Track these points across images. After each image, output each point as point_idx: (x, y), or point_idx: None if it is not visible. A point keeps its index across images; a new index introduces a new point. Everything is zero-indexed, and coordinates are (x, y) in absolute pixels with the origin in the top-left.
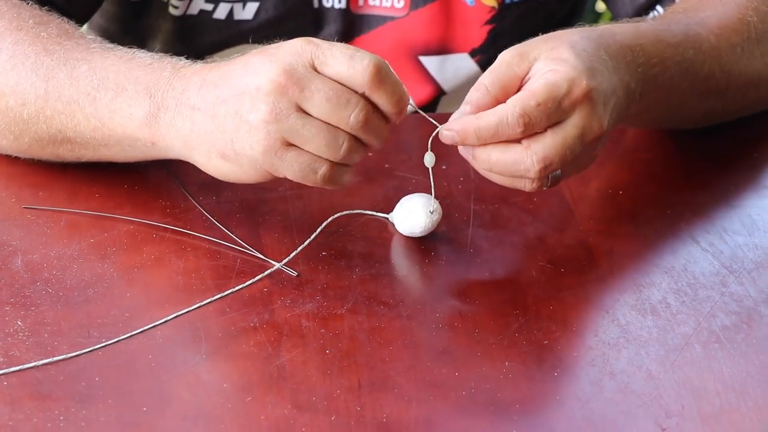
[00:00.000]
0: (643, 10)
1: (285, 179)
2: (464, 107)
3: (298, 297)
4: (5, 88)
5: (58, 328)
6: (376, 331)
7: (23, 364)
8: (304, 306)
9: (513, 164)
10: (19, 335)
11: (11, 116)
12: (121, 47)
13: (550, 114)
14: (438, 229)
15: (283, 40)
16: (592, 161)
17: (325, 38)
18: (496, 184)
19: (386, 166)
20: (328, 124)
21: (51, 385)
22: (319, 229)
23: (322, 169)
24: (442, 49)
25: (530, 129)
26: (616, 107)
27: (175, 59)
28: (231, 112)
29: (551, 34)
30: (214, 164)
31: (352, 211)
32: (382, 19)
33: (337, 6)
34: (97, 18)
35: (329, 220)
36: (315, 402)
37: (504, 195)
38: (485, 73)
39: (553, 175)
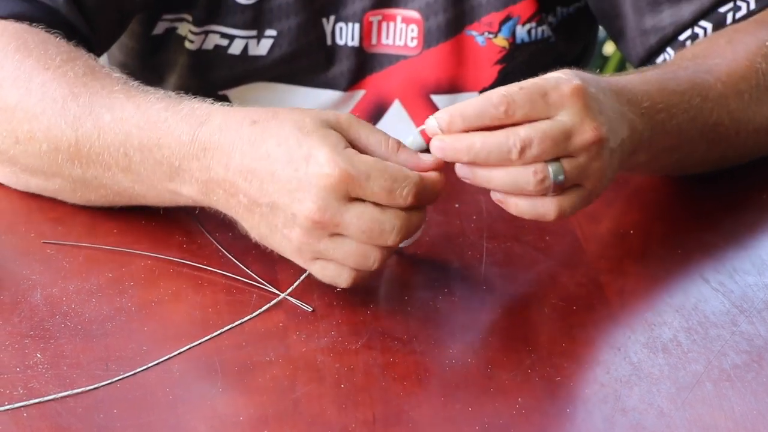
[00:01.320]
0: (654, 53)
1: None
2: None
3: (313, 332)
4: (38, 134)
5: (76, 361)
6: (390, 366)
7: (43, 396)
8: (319, 341)
9: (497, 146)
10: (39, 368)
11: (45, 159)
12: (142, 88)
13: (534, 101)
14: (451, 265)
15: (299, 77)
16: (603, 179)
17: (336, 76)
18: (509, 222)
19: None
20: (364, 244)
21: (70, 417)
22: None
23: (347, 278)
24: (454, 87)
25: (512, 110)
26: (623, 144)
27: (188, 109)
28: (266, 219)
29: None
30: (254, 237)
31: None
32: (395, 58)
33: (350, 44)
34: (117, 53)
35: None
36: None
37: (516, 233)
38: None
39: (555, 178)
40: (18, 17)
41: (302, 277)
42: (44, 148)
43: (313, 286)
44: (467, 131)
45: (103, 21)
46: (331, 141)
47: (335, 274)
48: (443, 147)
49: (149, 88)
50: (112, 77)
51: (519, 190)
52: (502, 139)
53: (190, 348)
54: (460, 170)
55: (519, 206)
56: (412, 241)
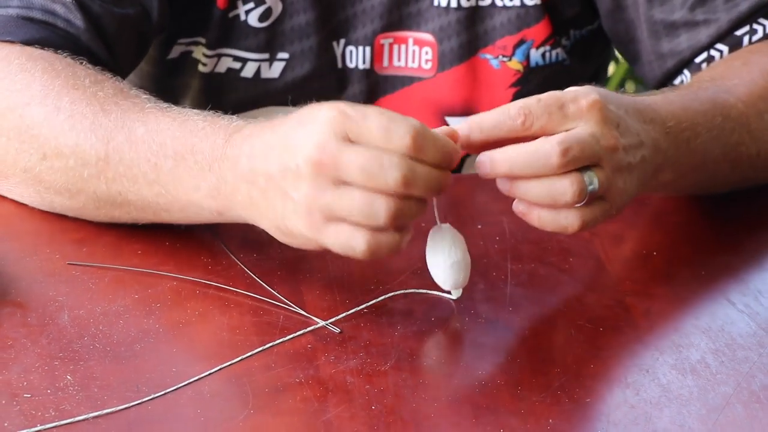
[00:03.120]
0: (671, 75)
1: None
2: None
3: (341, 353)
4: (65, 149)
5: (107, 383)
6: (420, 388)
7: (74, 417)
8: (347, 362)
9: (534, 152)
10: (69, 389)
11: (70, 175)
12: (174, 107)
13: (552, 113)
14: (476, 287)
15: (311, 100)
16: (624, 194)
17: (349, 99)
18: (532, 244)
19: (422, 225)
20: (369, 192)
21: None
22: (374, 300)
23: (361, 242)
24: (468, 110)
25: (530, 121)
26: (648, 159)
27: (227, 120)
28: (279, 189)
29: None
30: (276, 236)
31: (412, 291)
32: (409, 80)
33: (361, 66)
34: (132, 77)
35: (387, 296)
36: None
37: (540, 255)
38: None
39: (590, 186)
40: (42, 43)
41: (350, 311)
42: (71, 164)
43: (340, 309)
44: (485, 144)
45: (123, 47)
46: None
47: (349, 236)
48: (483, 161)
49: (182, 107)
50: (141, 97)
51: (554, 201)
52: (539, 146)
53: (220, 369)
54: (502, 185)
55: (542, 218)
56: (463, 285)
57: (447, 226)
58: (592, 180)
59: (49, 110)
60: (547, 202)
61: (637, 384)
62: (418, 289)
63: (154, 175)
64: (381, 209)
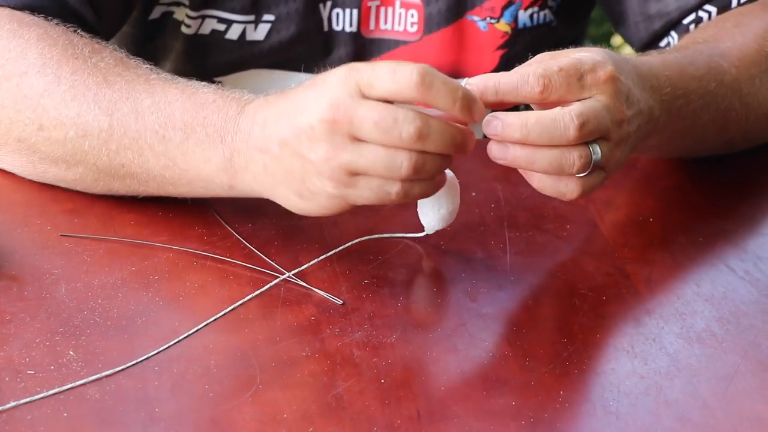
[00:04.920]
0: (658, 37)
1: None
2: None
3: (346, 326)
4: (66, 119)
5: (111, 358)
6: (428, 360)
7: (81, 392)
8: (353, 335)
9: (552, 122)
10: (73, 365)
11: (69, 147)
12: (180, 78)
13: (570, 83)
14: (475, 255)
15: (297, 63)
16: (621, 163)
17: (334, 62)
18: (528, 211)
19: None
20: (386, 147)
21: (111, 414)
22: (340, 248)
23: (395, 188)
24: (455, 73)
25: (549, 90)
26: (642, 127)
27: (238, 92)
28: (295, 154)
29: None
30: (294, 203)
31: (381, 235)
32: (395, 43)
33: (348, 29)
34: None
35: (355, 241)
36: None
37: (537, 222)
38: (516, 68)
39: (596, 159)
40: (31, 8)
41: (314, 261)
42: (70, 135)
43: (340, 279)
44: (495, 105)
45: (108, 9)
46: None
47: (382, 189)
48: (494, 123)
49: (188, 80)
50: (143, 68)
51: (561, 171)
52: (558, 116)
53: (213, 319)
54: (497, 150)
55: (542, 182)
56: (455, 200)
57: (449, 172)
58: (597, 152)
59: (49, 80)
60: (554, 171)
61: (645, 353)
62: (393, 233)
63: (162, 147)
64: (403, 163)
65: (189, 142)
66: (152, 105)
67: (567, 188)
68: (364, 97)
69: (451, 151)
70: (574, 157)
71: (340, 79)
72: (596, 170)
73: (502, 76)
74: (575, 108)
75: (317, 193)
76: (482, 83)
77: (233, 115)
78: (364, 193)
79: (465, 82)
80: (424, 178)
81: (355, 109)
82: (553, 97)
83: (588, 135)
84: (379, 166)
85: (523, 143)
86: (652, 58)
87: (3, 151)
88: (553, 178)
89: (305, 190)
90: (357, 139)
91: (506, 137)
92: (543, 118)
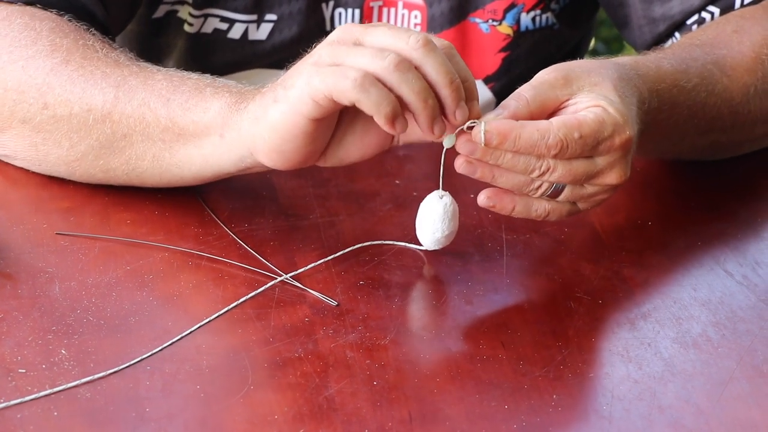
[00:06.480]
0: (662, 39)
1: (315, 208)
2: (500, 110)
3: (339, 327)
4: (71, 96)
5: (103, 357)
6: (421, 363)
7: (72, 392)
8: (346, 336)
9: (524, 163)
10: (65, 364)
11: (74, 122)
12: (193, 73)
13: (585, 150)
14: (472, 258)
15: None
16: (598, 205)
17: None
18: None
19: (414, 194)
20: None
21: (101, 414)
22: (339, 253)
23: (355, 73)
24: None
25: (563, 155)
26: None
27: (252, 87)
28: (295, 69)
29: (590, 64)
30: (269, 120)
31: (383, 242)
32: None
33: None
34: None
35: (354, 247)
36: None
37: (535, 225)
38: (526, 85)
39: (555, 186)
40: (42, 4)
41: (312, 264)
42: (75, 110)
43: (336, 281)
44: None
45: (117, 7)
46: None
47: (344, 69)
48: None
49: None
50: (153, 65)
51: (521, 192)
52: (532, 161)
53: (207, 321)
54: (462, 167)
55: (516, 209)
56: (451, 225)
57: (446, 194)
58: (560, 185)
59: (57, 62)
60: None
61: (640, 358)
62: (391, 240)
63: (165, 110)
64: (390, 55)
65: (193, 100)
66: (164, 78)
67: (536, 212)
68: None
69: (439, 78)
70: (535, 185)
71: (341, 29)
72: (565, 202)
73: (525, 129)
74: (551, 162)
75: (291, 89)
76: (504, 131)
77: (243, 86)
78: (326, 76)
79: (484, 122)
80: (392, 87)
81: (360, 33)
82: (563, 158)
83: (550, 184)
84: (366, 54)
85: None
86: (649, 67)
87: (6, 136)
88: (525, 201)
89: (281, 91)
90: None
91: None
92: (518, 160)
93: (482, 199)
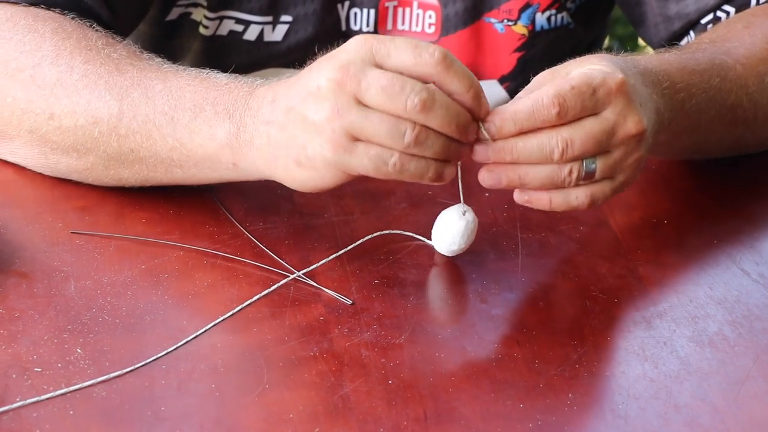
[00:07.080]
0: (678, 37)
1: (330, 207)
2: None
3: (355, 326)
4: (76, 107)
5: (118, 356)
6: (436, 362)
7: (88, 391)
8: (361, 335)
9: (539, 147)
10: (80, 363)
11: (80, 134)
12: (193, 68)
13: (585, 100)
14: (487, 256)
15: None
16: (637, 169)
17: None
18: (542, 212)
19: (429, 193)
20: (390, 115)
21: (116, 413)
22: (351, 246)
23: (393, 158)
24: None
25: (564, 111)
26: (652, 123)
27: (250, 79)
28: (299, 118)
29: (580, 58)
30: (293, 175)
31: (392, 231)
32: None
33: (365, 30)
34: (130, 37)
35: (366, 238)
36: None
37: (550, 224)
38: (521, 92)
39: (587, 168)
40: (47, 4)
41: (326, 260)
42: (80, 122)
43: (350, 279)
44: (516, 134)
45: (124, 9)
46: None
47: (379, 158)
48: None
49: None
50: (156, 59)
51: (554, 185)
52: (545, 140)
53: (221, 320)
54: (487, 179)
55: (553, 202)
56: (469, 237)
57: (469, 210)
58: (590, 163)
59: (61, 70)
60: (548, 187)
61: (656, 357)
62: (409, 232)
63: (170, 129)
64: (406, 131)
65: (197, 121)
66: (164, 90)
67: (578, 201)
68: (377, 65)
69: (454, 130)
70: (564, 174)
71: (357, 45)
72: (602, 179)
73: (516, 104)
74: (563, 132)
75: (315, 159)
76: (499, 117)
77: (243, 95)
78: (362, 161)
79: (483, 130)
80: (425, 156)
81: (364, 73)
82: (569, 117)
83: (574, 158)
84: (381, 132)
85: (514, 163)
86: (649, 56)
87: (16, 144)
88: (562, 192)
89: (304, 156)
90: (362, 104)
91: (500, 159)
92: (528, 144)
93: (516, 194)
